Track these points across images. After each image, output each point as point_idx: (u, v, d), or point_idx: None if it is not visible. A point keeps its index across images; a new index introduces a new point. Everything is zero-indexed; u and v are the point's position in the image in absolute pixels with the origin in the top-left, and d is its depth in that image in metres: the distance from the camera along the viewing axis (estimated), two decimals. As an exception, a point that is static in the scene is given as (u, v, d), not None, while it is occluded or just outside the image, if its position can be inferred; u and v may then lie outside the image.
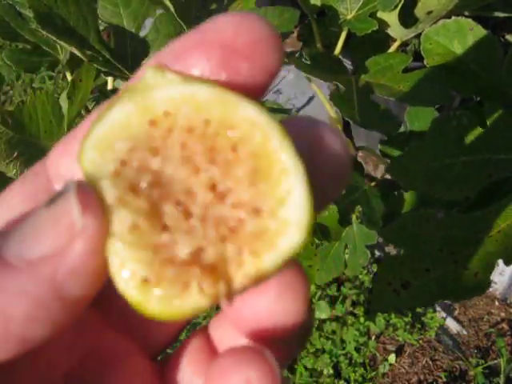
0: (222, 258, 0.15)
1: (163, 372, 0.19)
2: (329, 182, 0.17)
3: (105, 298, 0.19)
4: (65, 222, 0.14)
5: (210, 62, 0.16)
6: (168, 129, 0.16)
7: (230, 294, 0.15)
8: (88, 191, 0.15)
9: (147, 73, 0.16)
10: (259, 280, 0.15)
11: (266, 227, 0.15)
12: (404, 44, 0.80)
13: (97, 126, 0.16)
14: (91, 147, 0.16)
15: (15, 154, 0.39)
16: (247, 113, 0.15)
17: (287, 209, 0.15)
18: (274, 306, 0.16)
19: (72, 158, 0.17)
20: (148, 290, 0.15)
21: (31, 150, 0.40)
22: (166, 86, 0.16)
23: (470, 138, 0.40)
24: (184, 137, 0.16)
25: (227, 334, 0.19)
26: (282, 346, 0.18)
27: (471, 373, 1.24)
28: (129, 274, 0.15)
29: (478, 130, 0.40)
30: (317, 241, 0.76)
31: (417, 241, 0.38)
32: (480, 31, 0.45)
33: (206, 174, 0.15)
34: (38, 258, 0.14)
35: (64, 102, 0.41)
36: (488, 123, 0.40)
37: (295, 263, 0.17)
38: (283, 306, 0.16)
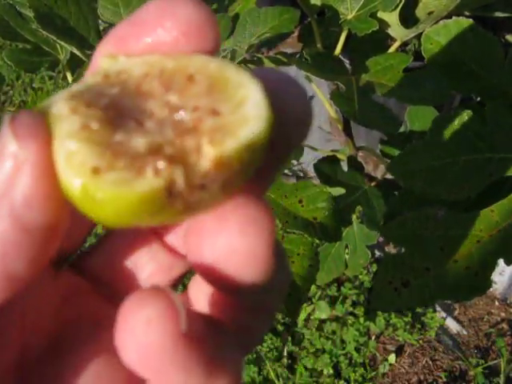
0: (180, 152, 0.15)
1: None
2: (292, 128, 0.17)
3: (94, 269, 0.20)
4: (5, 155, 0.14)
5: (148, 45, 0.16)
6: (123, 80, 0.16)
7: (189, 179, 0.14)
8: (26, 119, 0.15)
9: (103, 62, 0.17)
10: (220, 167, 0.14)
11: (224, 123, 0.15)
12: (404, 44, 0.81)
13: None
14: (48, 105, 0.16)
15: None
16: (200, 57, 0.16)
17: (245, 108, 0.15)
18: (235, 242, 0.15)
19: None
20: (98, 177, 0.14)
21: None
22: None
23: (471, 136, 0.40)
24: (140, 80, 0.16)
25: (201, 290, 0.18)
26: (249, 294, 0.17)
27: (471, 373, 1.24)
28: (77, 166, 0.14)
29: (479, 129, 0.40)
30: (317, 241, 0.76)
31: (417, 239, 0.38)
32: (480, 31, 0.45)
33: (161, 98, 0.15)
34: None
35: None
36: (489, 122, 0.40)
37: (261, 200, 0.16)
38: (246, 242, 0.15)
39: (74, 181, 0.14)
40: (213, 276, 0.16)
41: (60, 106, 0.15)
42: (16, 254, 0.15)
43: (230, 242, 0.15)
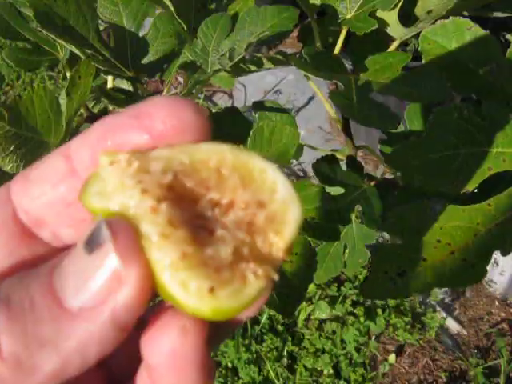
0: (256, 248, 0.18)
1: None
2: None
3: None
4: (108, 272, 0.17)
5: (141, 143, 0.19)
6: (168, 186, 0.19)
7: (276, 269, 0.18)
8: (125, 238, 0.17)
9: (102, 159, 0.19)
10: (289, 249, 0.19)
11: (273, 211, 0.19)
12: (404, 44, 0.81)
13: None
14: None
15: (11, 148, 0.39)
16: (209, 147, 0.19)
17: (279, 193, 0.19)
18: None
19: (30, 197, 0.20)
20: (217, 295, 0.17)
21: (28, 144, 0.41)
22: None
23: (471, 130, 0.40)
24: (169, 179, 0.19)
25: None
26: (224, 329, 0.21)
27: (471, 373, 1.24)
28: (196, 291, 0.17)
29: (479, 123, 0.40)
30: (315, 241, 0.76)
31: (414, 231, 0.38)
32: (478, 30, 0.45)
33: (205, 198, 0.19)
34: (92, 305, 0.17)
35: (63, 99, 0.41)
36: (487, 120, 0.40)
37: None
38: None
39: (202, 305, 0.17)
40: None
41: (148, 228, 0.18)
42: (107, 347, 0.18)
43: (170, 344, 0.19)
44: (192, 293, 0.17)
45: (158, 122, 0.18)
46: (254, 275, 0.18)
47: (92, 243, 0.17)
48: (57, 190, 0.19)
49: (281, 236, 0.18)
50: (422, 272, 0.37)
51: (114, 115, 0.19)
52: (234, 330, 0.22)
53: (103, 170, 0.18)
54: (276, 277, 0.18)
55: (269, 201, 0.19)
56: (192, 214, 0.18)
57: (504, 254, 0.38)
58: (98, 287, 0.17)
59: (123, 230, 0.17)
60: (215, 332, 0.20)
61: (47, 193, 0.19)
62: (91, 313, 0.17)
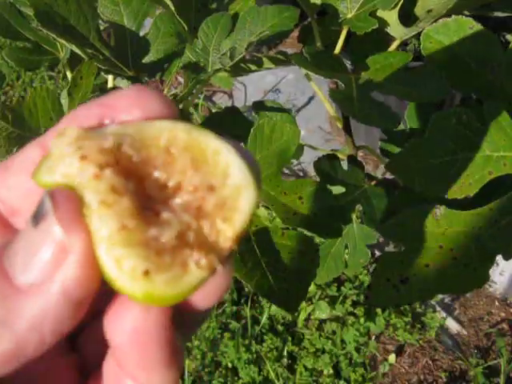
0: (202, 234, 0.17)
1: None
2: None
3: None
4: (52, 244, 0.17)
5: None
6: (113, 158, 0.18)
7: (222, 260, 0.17)
8: (66, 207, 0.17)
9: (53, 144, 0.18)
10: (238, 237, 0.17)
11: (223, 196, 0.17)
12: (404, 43, 0.81)
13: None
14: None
15: (15, 150, 0.39)
16: (162, 124, 0.18)
17: (233, 177, 0.17)
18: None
19: (7, 187, 0.19)
20: (152, 279, 0.16)
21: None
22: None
23: (470, 135, 0.40)
24: (122, 155, 0.18)
25: None
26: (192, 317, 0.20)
27: (471, 373, 1.24)
28: (130, 271, 0.16)
29: (478, 127, 0.40)
30: (317, 239, 0.76)
31: (416, 237, 0.38)
32: (480, 30, 0.45)
33: (153, 178, 0.18)
34: (41, 280, 0.17)
35: (65, 99, 0.41)
36: (488, 120, 0.40)
37: None
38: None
39: (133, 287, 0.16)
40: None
41: (90, 196, 0.17)
42: (59, 324, 0.17)
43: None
44: (125, 272, 0.16)
45: (123, 113, 0.18)
46: (196, 264, 0.17)
47: (37, 216, 0.17)
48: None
49: (230, 224, 0.17)
50: (425, 278, 0.37)
51: (83, 106, 0.19)
52: (201, 321, 0.22)
53: (52, 146, 0.18)
54: (220, 267, 0.17)
55: (220, 185, 0.17)
56: (138, 191, 0.17)
57: (506, 258, 0.37)
58: (45, 261, 0.17)
59: (64, 200, 0.17)
60: (180, 317, 0.19)
61: (23, 182, 0.19)
62: (41, 288, 0.17)
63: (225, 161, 0.17)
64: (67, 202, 0.17)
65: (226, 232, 0.17)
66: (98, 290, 0.18)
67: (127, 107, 0.18)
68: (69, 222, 0.17)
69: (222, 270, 0.17)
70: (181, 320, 0.20)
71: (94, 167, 0.17)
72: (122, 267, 0.16)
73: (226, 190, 0.17)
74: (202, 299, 0.19)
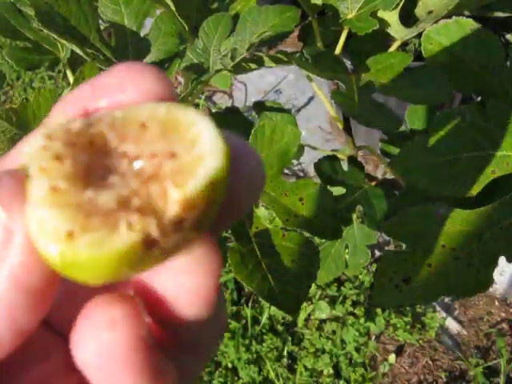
0: (148, 201, 0.15)
1: None
2: (244, 193, 0.18)
3: None
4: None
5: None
6: (82, 135, 0.16)
7: (162, 226, 0.15)
8: (8, 186, 0.15)
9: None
10: (188, 204, 0.15)
11: (183, 164, 0.15)
12: (404, 43, 0.81)
13: None
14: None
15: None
16: (149, 105, 0.16)
17: (200, 146, 0.16)
18: (183, 280, 0.16)
19: None
20: (75, 241, 0.14)
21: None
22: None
23: (473, 134, 0.40)
24: (95, 134, 0.16)
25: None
26: (188, 330, 0.18)
27: (471, 373, 1.24)
28: (51, 232, 0.14)
29: (481, 126, 0.40)
30: (317, 240, 0.76)
31: (419, 236, 0.38)
32: (481, 31, 0.45)
33: (118, 149, 0.16)
34: None
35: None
36: (491, 119, 0.40)
37: (212, 244, 0.17)
38: (193, 280, 0.16)
39: (51, 248, 0.14)
40: (159, 309, 0.17)
41: (32, 165, 0.15)
42: (15, 317, 0.16)
43: (177, 279, 0.16)
44: (46, 233, 0.14)
45: (116, 92, 0.17)
46: (128, 226, 0.14)
47: None
48: None
49: (181, 188, 0.15)
50: (428, 279, 0.37)
51: (75, 90, 0.18)
52: (206, 340, 0.19)
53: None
54: (156, 233, 0.15)
55: (184, 153, 0.16)
56: (99, 164, 0.16)
57: (509, 260, 0.37)
58: None
59: (7, 178, 0.16)
60: (172, 336, 0.17)
61: None
62: None
63: (197, 131, 0.16)
64: (9, 179, 0.15)
65: (175, 196, 0.15)
66: (58, 278, 0.16)
67: (119, 85, 0.17)
68: (11, 201, 0.15)
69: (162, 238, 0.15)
70: (173, 338, 0.18)
71: (43, 138, 0.16)
72: (44, 228, 0.14)
73: (187, 157, 0.16)
74: (183, 300, 0.16)
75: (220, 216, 0.17)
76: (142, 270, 0.16)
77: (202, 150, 0.15)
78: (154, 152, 0.16)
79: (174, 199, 0.15)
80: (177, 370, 0.18)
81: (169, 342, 0.18)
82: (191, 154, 0.15)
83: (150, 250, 0.15)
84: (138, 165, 0.16)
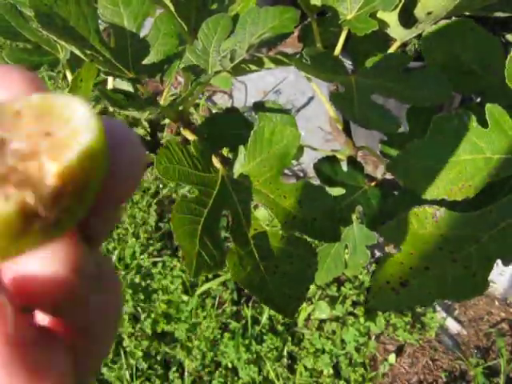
0: (26, 176, 0.16)
1: None
2: (126, 167, 0.18)
3: None
4: None
5: None
6: None
7: (40, 197, 0.15)
8: None
9: None
10: (65, 179, 0.16)
11: (58, 140, 0.16)
12: (404, 44, 0.81)
13: None
14: None
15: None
16: (25, 96, 0.17)
17: (73, 122, 0.16)
18: (39, 265, 0.16)
19: None
20: None
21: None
22: None
23: (471, 136, 0.40)
24: None
25: None
26: (71, 316, 0.18)
27: (471, 373, 1.24)
28: None
29: (479, 129, 0.40)
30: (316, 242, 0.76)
31: (416, 239, 0.38)
32: (480, 31, 0.45)
33: None
34: None
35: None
36: (489, 122, 0.40)
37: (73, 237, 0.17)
38: (48, 266, 0.16)
39: None
40: (32, 294, 0.17)
41: None
42: None
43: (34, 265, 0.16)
44: None
45: None
46: (5, 197, 0.15)
47: None
48: None
49: (57, 161, 0.16)
50: (425, 282, 0.37)
51: None
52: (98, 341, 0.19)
53: None
54: (33, 202, 0.15)
55: (58, 130, 0.16)
56: None
57: (506, 264, 0.37)
58: None
59: None
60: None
61: None
62: None
63: (71, 111, 0.17)
64: None
65: (52, 169, 0.16)
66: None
67: None
68: None
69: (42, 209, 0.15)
70: (61, 325, 0.18)
71: None
72: None
73: (62, 133, 0.16)
74: (47, 283, 0.16)
75: (105, 192, 0.17)
76: (25, 249, 0.16)
77: (76, 126, 0.16)
78: (30, 133, 0.16)
79: (50, 171, 0.16)
80: (73, 360, 0.18)
81: (60, 330, 0.18)
82: (65, 130, 0.16)
83: (31, 223, 0.15)
84: (14, 146, 0.16)
